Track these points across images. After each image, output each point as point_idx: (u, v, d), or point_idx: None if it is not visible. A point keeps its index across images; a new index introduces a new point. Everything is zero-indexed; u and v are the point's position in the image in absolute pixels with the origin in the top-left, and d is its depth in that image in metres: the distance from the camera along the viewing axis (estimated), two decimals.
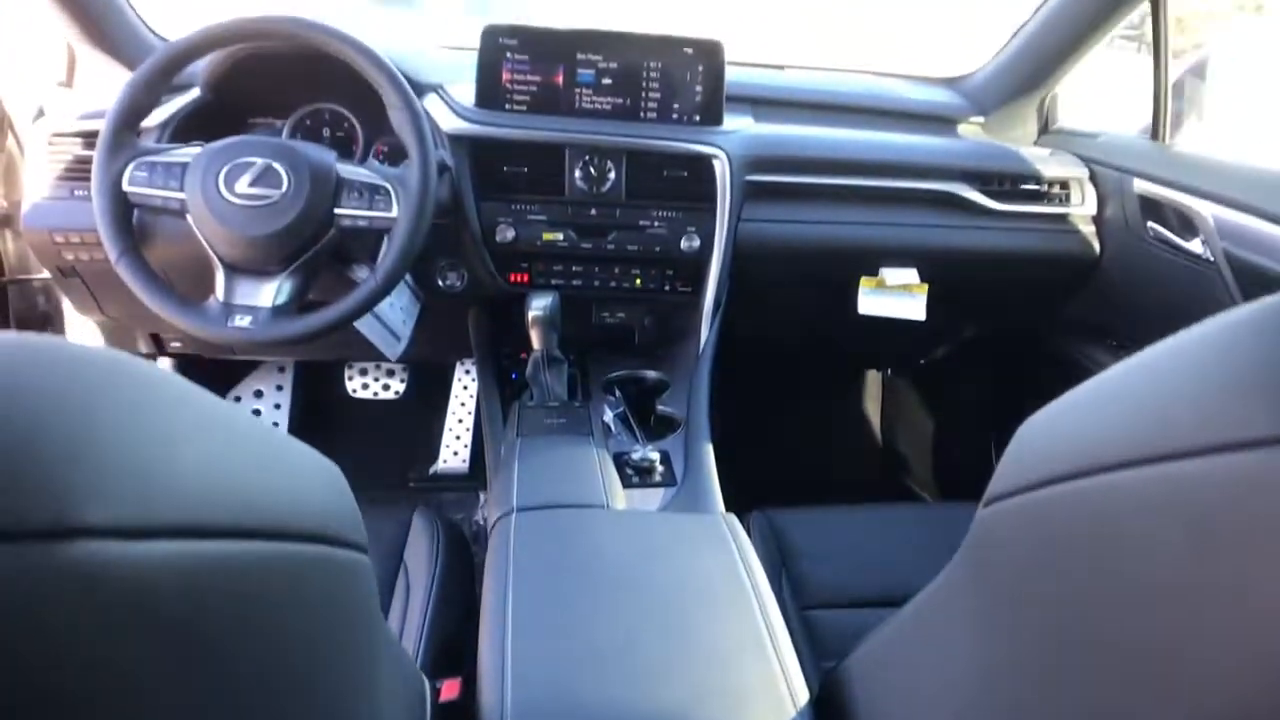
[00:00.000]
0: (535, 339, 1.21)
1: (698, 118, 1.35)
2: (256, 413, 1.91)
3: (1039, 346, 1.68)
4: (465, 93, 1.33)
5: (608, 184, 1.31)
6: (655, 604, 0.80)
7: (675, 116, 1.34)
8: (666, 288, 1.37)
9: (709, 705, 0.71)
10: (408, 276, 1.28)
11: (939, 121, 1.58)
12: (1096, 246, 1.44)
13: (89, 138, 1.24)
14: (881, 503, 1.37)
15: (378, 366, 2.00)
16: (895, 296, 1.42)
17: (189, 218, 1.08)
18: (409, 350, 1.33)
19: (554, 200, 1.32)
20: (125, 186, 1.08)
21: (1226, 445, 0.34)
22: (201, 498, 0.30)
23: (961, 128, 1.59)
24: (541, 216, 1.31)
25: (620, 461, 1.10)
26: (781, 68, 1.69)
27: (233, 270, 1.10)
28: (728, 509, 1.07)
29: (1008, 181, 1.43)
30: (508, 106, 1.32)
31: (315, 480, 0.40)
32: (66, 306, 1.51)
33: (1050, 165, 1.45)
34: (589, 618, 0.78)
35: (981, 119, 1.59)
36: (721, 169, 1.31)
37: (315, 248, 1.09)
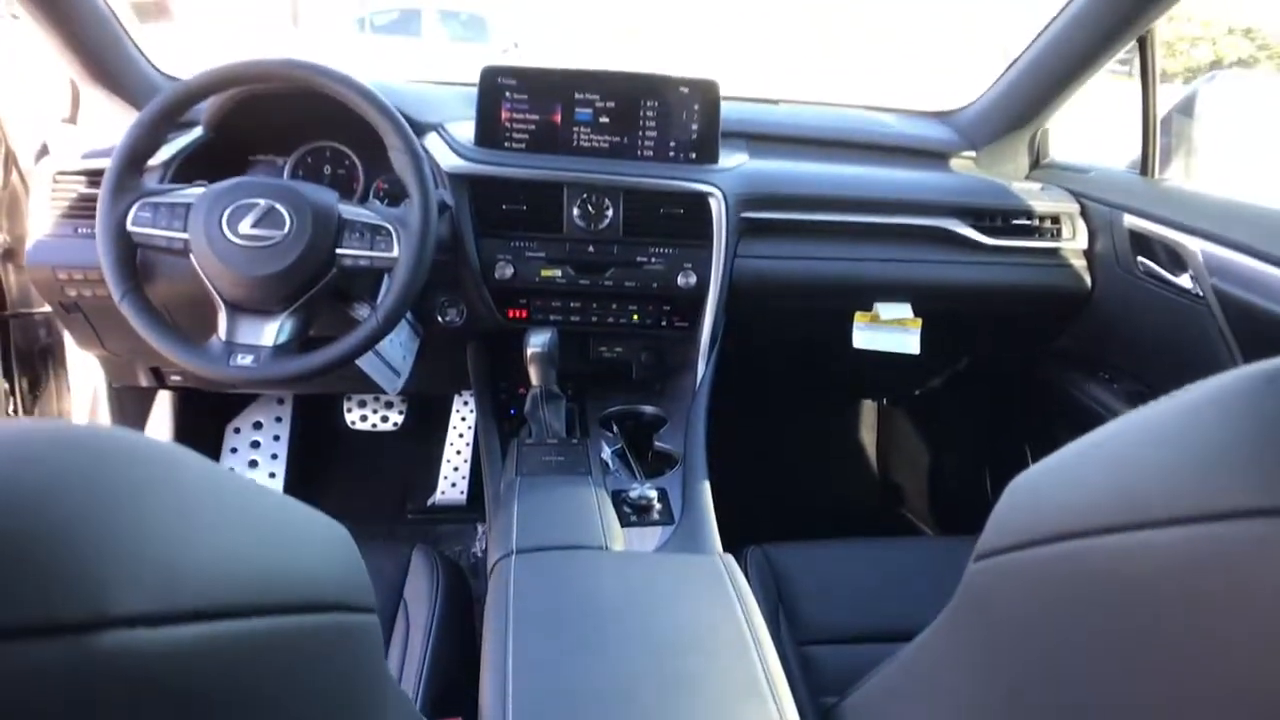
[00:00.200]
0: (534, 375, 1.22)
1: (694, 155, 1.37)
2: (255, 444, 1.91)
3: (1033, 378, 1.69)
4: (464, 130, 1.35)
5: (605, 221, 1.33)
6: (653, 648, 0.81)
7: (672, 154, 1.36)
8: (663, 323, 1.39)
9: None
10: (407, 313, 1.29)
11: (931, 156, 1.60)
12: (1088, 280, 1.46)
13: (93, 176, 1.26)
14: (878, 537, 1.37)
15: (376, 399, 2.01)
16: (890, 331, 1.43)
17: (192, 257, 1.10)
18: (408, 384, 1.34)
19: (552, 237, 1.33)
20: (129, 227, 1.10)
21: (1202, 516, 0.35)
22: (224, 579, 0.31)
23: (954, 162, 1.61)
24: (540, 253, 1.33)
25: (618, 499, 1.11)
26: (776, 102, 1.71)
27: (235, 309, 1.11)
28: (725, 542, 1.08)
29: (1000, 217, 1.45)
30: (507, 145, 1.34)
31: (328, 548, 0.41)
32: (67, 340, 1.52)
33: (1042, 200, 1.47)
34: (588, 663, 0.78)
35: (973, 153, 1.61)
36: (717, 207, 1.32)
37: (316, 287, 1.11)
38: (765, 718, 0.75)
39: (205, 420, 1.89)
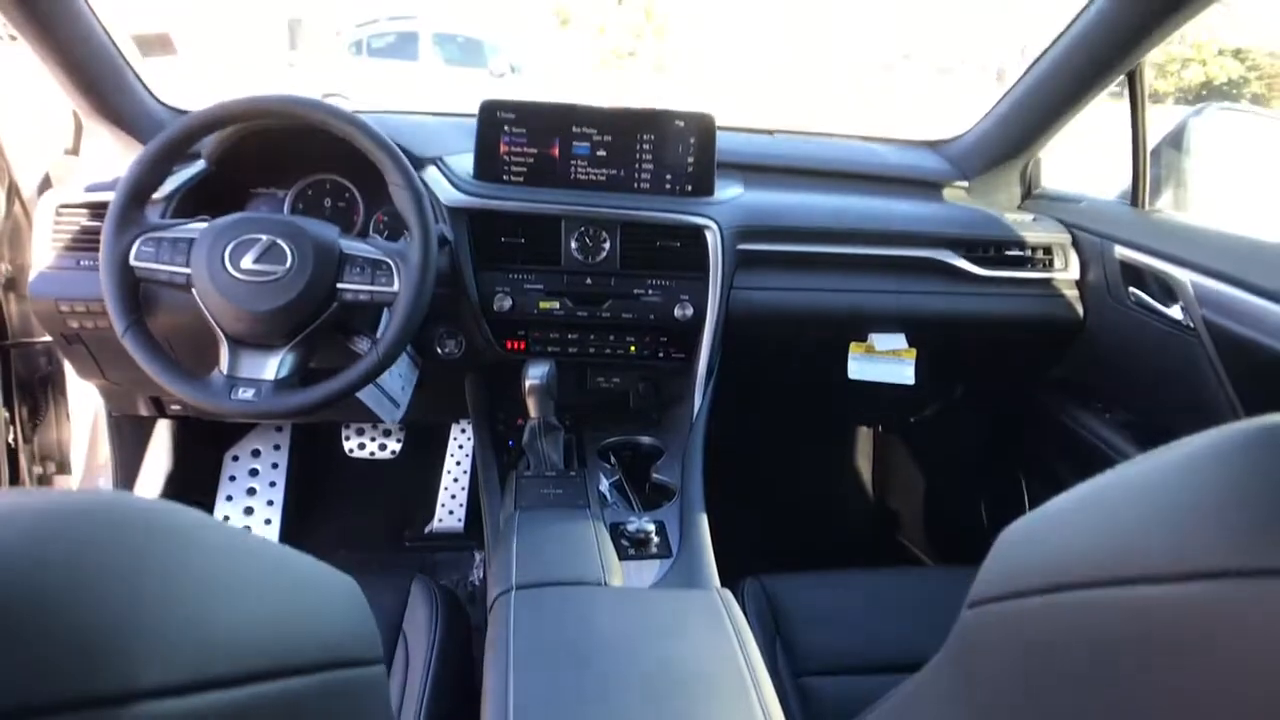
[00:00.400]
0: (532, 407, 1.23)
1: (690, 188, 1.38)
2: (254, 472, 1.92)
3: (1028, 406, 1.71)
4: (463, 163, 1.37)
5: (602, 254, 1.34)
6: (652, 687, 0.81)
7: (668, 187, 1.38)
8: (660, 354, 1.40)
9: None
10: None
11: (924, 186, 1.62)
12: (1080, 311, 1.48)
13: (95, 209, 1.27)
14: (875, 565, 1.38)
15: (374, 426, 2.02)
16: (884, 362, 1.45)
17: (194, 292, 1.11)
18: (406, 414, 1.35)
19: (550, 270, 1.35)
20: (132, 262, 1.11)
21: (1188, 575, 0.36)
22: (246, 646, 0.32)
23: (946, 192, 1.62)
24: (538, 286, 1.34)
25: (616, 532, 1.12)
26: (771, 132, 1.73)
27: (236, 343, 1.12)
28: (722, 572, 1.08)
29: (992, 248, 1.46)
30: (505, 178, 1.36)
31: (339, 604, 0.43)
32: (67, 369, 1.53)
33: (1034, 231, 1.48)
34: (588, 702, 0.79)
35: (966, 184, 1.62)
36: (713, 239, 1.34)
37: (317, 321, 1.12)
38: None
39: (204, 448, 1.89)
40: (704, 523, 1.16)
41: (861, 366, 1.45)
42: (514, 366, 1.28)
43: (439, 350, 1.36)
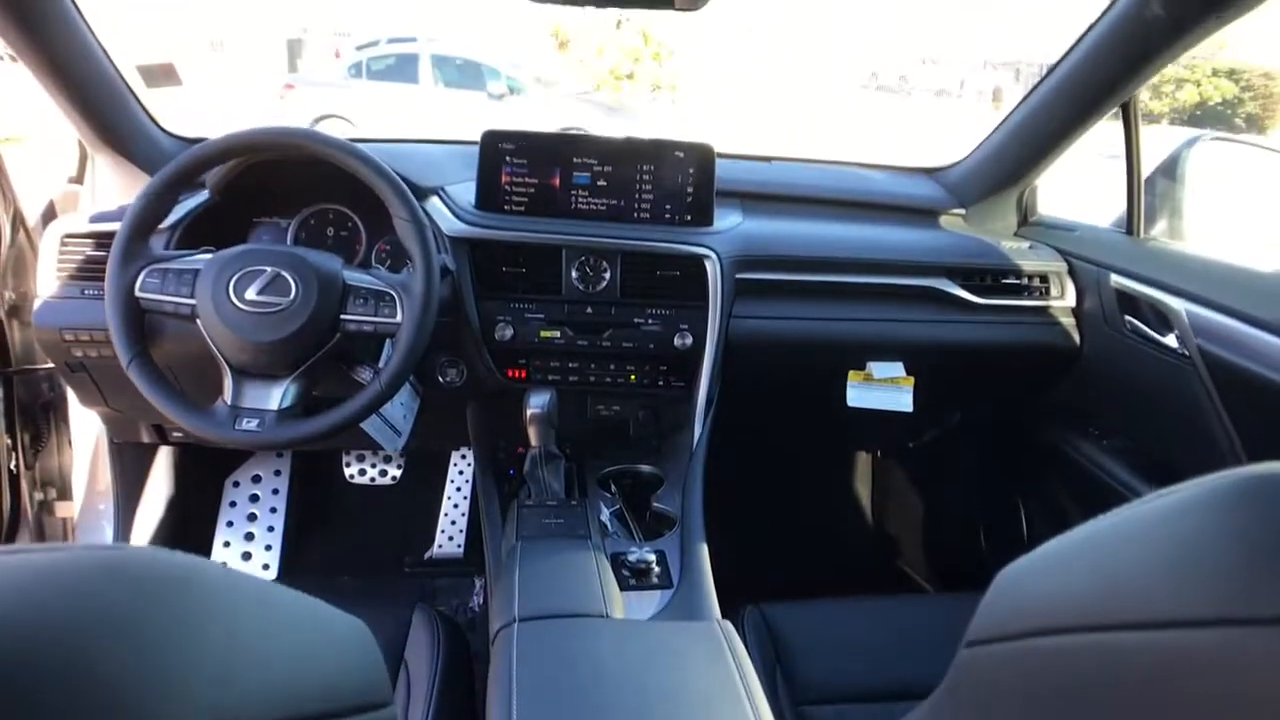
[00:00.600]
0: (533, 436, 1.23)
1: (689, 218, 1.39)
2: (255, 498, 1.92)
3: (1026, 433, 1.71)
4: (465, 192, 1.38)
5: (603, 283, 1.36)
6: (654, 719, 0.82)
7: (668, 217, 1.39)
8: (660, 383, 1.40)
9: None
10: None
11: (922, 214, 1.63)
12: (1077, 339, 1.49)
13: (100, 239, 1.28)
14: (875, 593, 1.38)
15: (375, 453, 2.02)
16: (883, 390, 1.46)
17: (199, 323, 1.12)
18: (408, 442, 1.36)
19: (551, 299, 1.36)
20: (138, 293, 1.12)
21: (1177, 622, 0.36)
22: (265, 698, 0.33)
23: (943, 220, 1.64)
24: (539, 315, 1.35)
25: (617, 563, 1.12)
26: (769, 160, 1.75)
27: (240, 374, 1.13)
28: (722, 600, 1.09)
29: (989, 276, 1.48)
30: (506, 208, 1.37)
31: (355, 648, 0.43)
32: (70, 395, 1.54)
33: (1030, 259, 1.50)
34: None
35: (963, 211, 1.63)
36: (712, 269, 1.35)
37: (321, 352, 1.13)
38: None
39: (205, 475, 1.90)
40: (704, 552, 1.16)
41: (860, 395, 1.46)
42: (515, 395, 1.28)
43: (440, 378, 1.37)
